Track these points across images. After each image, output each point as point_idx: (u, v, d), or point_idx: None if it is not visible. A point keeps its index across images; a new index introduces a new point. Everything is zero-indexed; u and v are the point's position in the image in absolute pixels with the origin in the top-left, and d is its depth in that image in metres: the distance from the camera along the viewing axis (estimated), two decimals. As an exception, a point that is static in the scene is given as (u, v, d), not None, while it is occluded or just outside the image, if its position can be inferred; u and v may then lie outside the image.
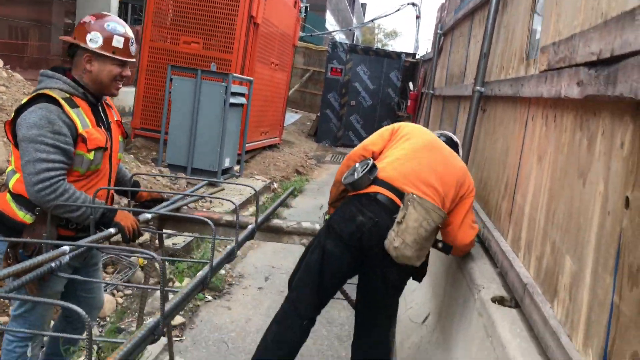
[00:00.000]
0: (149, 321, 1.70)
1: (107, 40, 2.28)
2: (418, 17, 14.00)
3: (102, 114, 2.44)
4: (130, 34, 2.41)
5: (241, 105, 7.89)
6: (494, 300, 2.44)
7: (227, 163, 7.59)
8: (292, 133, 14.37)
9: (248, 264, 5.39)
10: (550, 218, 2.10)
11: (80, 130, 2.23)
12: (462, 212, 2.71)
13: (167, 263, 4.10)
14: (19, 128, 2.16)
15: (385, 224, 2.45)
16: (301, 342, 2.60)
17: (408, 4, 13.92)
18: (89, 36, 2.26)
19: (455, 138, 3.09)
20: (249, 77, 8.16)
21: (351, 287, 2.87)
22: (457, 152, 3.00)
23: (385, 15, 14.92)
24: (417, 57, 14.50)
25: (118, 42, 2.31)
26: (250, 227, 2.63)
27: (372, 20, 16.94)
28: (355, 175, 2.57)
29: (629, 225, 1.38)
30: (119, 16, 13.07)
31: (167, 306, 1.71)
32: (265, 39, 9.52)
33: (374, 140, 2.81)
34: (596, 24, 1.72)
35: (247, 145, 8.71)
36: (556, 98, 2.05)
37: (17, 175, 2.24)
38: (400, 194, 2.51)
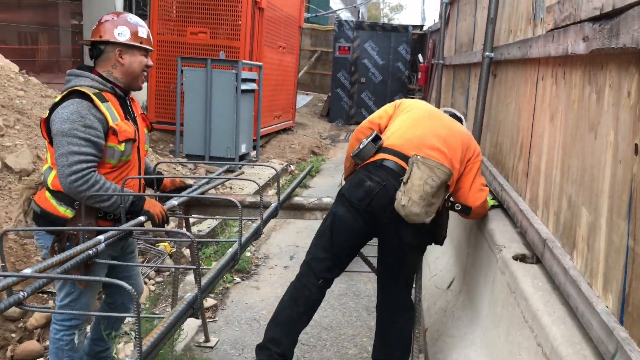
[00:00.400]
0: (187, 295, 1.81)
1: (134, 32, 2.42)
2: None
3: (129, 108, 2.54)
4: (144, 24, 2.53)
5: (252, 91, 7.96)
6: (515, 258, 2.51)
7: (243, 149, 7.69)
8: (304, 115, 14.42)
9: (272, 245, 5.52)
10: (565, 173, 2.16)
11: (111, 123, 2.34)
12: (471, 176, 2.77)
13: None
14: (52, 123, 2.27)
15: (393, 187, 2.54)
16: (317, 301, 2.71)
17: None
18: (116, 31, 2.38)
19: (458, 113, 3.17)
20: (258, 63, 8.22)
21: (374, 254, 2.95)
22: (462, 124, 3.06)
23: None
24: (425, 28, 14.39)
25: (143, 33, 2.45)
26: (273, 205, 2.73)
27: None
28: (361, 146, 2.68)
29: (639, 170, 1.43)
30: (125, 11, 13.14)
31: (203, 282, 1.81)
32: (271, 23, 9.54)
33: (379, 114, 2.93)
34: (598, -22, 1.76)
35: (261, 130, 8.79)
36: (564, 56, 2.10)
37: (54, 172, 2.34)
38: (406, 158, 2.60)
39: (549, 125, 2.44)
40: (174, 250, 4.84)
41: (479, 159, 2.83)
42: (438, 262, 4.26)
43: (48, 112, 2.35)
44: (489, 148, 4.08)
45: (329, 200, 3.07)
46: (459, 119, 3.09)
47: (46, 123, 2.35)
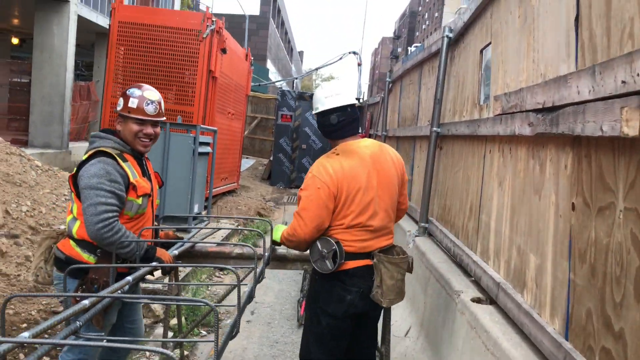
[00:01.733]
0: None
1: (125, 102, 2.73)
2: (359, 64, 14.95)
3: (144, 167, 2.88)
4: (151, 97, 2.78)
5: (207, 153, 8.32)
6: (472, 300, 3.00)
7: (196, 209, 7.95)
8: (246, 178, 14.80)
9: (232, 301, 5.74)
10: (514, 228, 2.70)
11: (132, 179, 2.66)
12: (405, 187, 3.02)
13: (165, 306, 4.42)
14: (81, 179, 2.58)
15: (369, 287, 2.79)
16: None
17: (350, 53, 14.88)
18: (119, 102, 2.76)
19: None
20: (213, 128, 8.64)
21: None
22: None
23: (329, 64, 15.78)
24: (362, 101, 15.40)
25: (132, 103, 2.72)
26: (267, 255, 3.09)
27: (316, 69, 17.83)
28: (330, 266, 2.75)
29: (576, 221, 1.97)
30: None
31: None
32: (222, 90, 10.06)
33: (322, 218, 2.76)
34: (538, 82, 2.37)
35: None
36: (511, 135, 2.68)
37: (78, 223, 2.63)
38: (369, 255, 2.80)
39: (498, 189, 3.01)
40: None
41: (404, 169, 3.02)
42: (393, 314, 4.68)
43: (76, 168, 2.66)
44: (437, 210, 4.66)
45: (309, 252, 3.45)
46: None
47: (73, 178, 2.65)
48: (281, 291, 6.19)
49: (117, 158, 2.64)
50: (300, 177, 15.10)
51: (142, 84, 2.88)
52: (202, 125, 8.08)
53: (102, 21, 12.79)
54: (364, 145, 2.87)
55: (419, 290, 4.23)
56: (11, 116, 14.31)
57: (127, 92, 2.77)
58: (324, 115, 2.91)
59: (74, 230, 2.65)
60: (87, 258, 2.63)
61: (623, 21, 1.67)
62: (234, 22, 29.45)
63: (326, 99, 2.89)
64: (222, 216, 3.60)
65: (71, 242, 2.66)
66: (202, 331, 4.83)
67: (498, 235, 2.96)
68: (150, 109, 2.75)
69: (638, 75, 1.41)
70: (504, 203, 2.88)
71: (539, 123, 2.23)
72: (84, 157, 2.66)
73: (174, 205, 7.63)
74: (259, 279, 2.77)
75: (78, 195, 2.62)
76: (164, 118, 2.87)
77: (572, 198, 2.01)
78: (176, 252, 3.05)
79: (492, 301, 2.93)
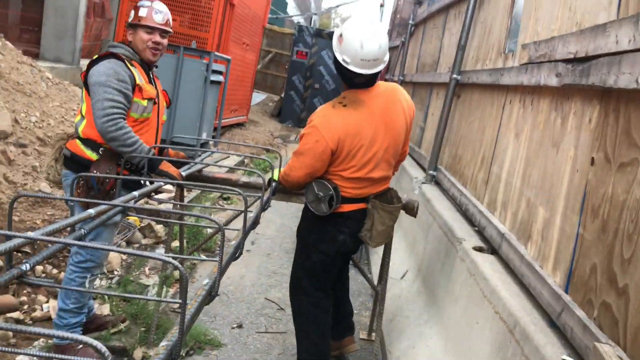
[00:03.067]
0: (206, 282, 1.93)
1: (135, 12, 2.85)
2: (382, 5, 14.52)
3: (152, 79, 2.96)
4: (159, 7, 2.89)
5: (219, 82, 8.21)
6: (474, 248, 3.01)
7: (204, 136, 7.92)
8: (256, 113, 14.69)
9: (234, 232, 5.81)
10: (525, 181, 2.67)
11: (138, 81, 2.76)
12: (409, 134, 2.93)
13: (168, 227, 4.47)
14: (90, 76, 2.68)
15: (360, 228, 2.84)
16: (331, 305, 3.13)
17: (372, -7, 14.43)
18: (130, 14, 2.87)
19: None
20: (227, 56, 8.48)
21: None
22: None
23: (350, 2, 15.33)
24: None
25: (142, 12, 2.84)
26: (274, 184, 3.07)
27: (336, 7, 17.35)
28: (325, 210, 2.74)
29: (593, 177, 1.94)
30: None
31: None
32: (239, 19, 9.81)
33: (316, 168, 2.72)
34: (571, 30, 2.27)
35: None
36: (534, 86, 2.61)
37: (84, 122, 2.75)
38: (365, 199, 2.80)
39: (514, 141, 2.95)
40: (143, 224, 5.06)
41: (413, 114, 2.91)
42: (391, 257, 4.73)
43: (86, 66, 2.76)
44: (447, 159, 4.62)
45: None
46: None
47: (84, 77, 2.73)
48: (282, 225, 6.25)
49: (126, 61, 2.74)
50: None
51: None
52: (216, 53, 7.92)
53: None
54: (375, 95, 2.72)
55: (420, 235, 4.26)
56: (24, 27, 14.04)
57: (138, 4, 2.89)
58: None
59: (80, 128, 2.76)
60: (90, 155, 2.74)
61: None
62: (256, -50, 28.42)
63: (362, 61, 2.55)
64: (232, 142, 3.56)
65: (77, 140, 2.77)
66: (202, 255, 4.91)
67: (508, 187, 2.93)
68: (158, 17, 2.87)
69: (687, 24, 1.34)
70: (519, 155, 2.83)
71: (567, 73, 2.15)
72: (95, 57, 2.75)
73: (183, 131, 7.59)
74: (264, 206, 2.77)
75: (89, 93, 2.70)
76: (171, 30, 2.96)
77: (593, 153, 1.96)
78: (183, 173, 3.04)
79: (494, 251, 2.93)
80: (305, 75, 14.76)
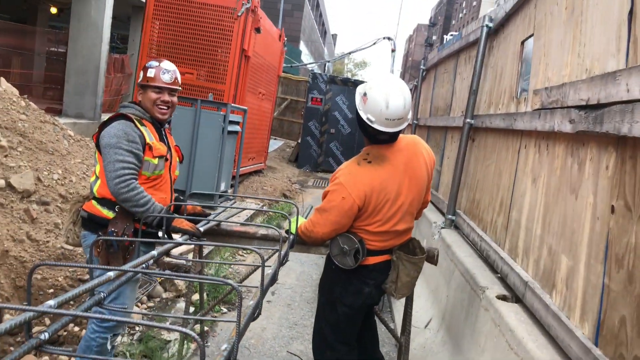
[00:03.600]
0: (224, 347, 1.90)
1: (144, 73, 2.94)
2: (393, 51, 14.76)
3: (164, 136, 3.03)
4: (167, 66, 2.96)
5: (236, 132, 8.34)
6: (498, 297, 2.94)
7: (222, 187, 7.99)
8: (273, 159, 14.84)
9: (254, 281, 5.77)
10: (546, 227, 2.63)
11: (148, 140, 2.81)
12: (430, 183, 2.94)
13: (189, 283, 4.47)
14: (102, 138, 2.74)
15: (384, 280, 2.85)
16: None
17: (384, 38, 14.68)
18: (139, 75, 2.96)
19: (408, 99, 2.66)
20: (243, 107, 8.64)
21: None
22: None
23: (363, 49, 15.61)
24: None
25: (150, 73, 2.92)
26: (291, 237, 3.07)
27: (349, 53, 17.67)
28: (351, 263, 2.75)
29: (615, 225, 1.90)
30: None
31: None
32: (254, 70, 10.04)
33: (342, 224, 2.73)
34: (582, 77, 2.28)
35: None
36: (549, 132, 2.60)
37: (99, 182, 2.80)
38: (389, 251, 2.81)
39: (531, 186, 2.92)
40: (162, 279, 5.07)
41: (434, 166, 2.93)
42: (414, 304, 4.65)
43: (98, 129, 2.83)
44: (465, 203, 4.58)
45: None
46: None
47: (97, 139, 2.81)
48: (302, 273, 6.20)
49: (136, 121, 2.80)
50: (327, 161, 15.07)
51: (162, 59, 3.07)
52: (232, 104, 8.08)
53: (139, -5, 12.85)
54: (398, 149, 2.73)
55: (442, 282, 4.18)
56: (47, 85, 14.56)
57: (146, 64, 2.98)
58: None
59: (95, 188, 2.81)
60: (107, 214, 2.77)
61: (682, 17, 1.58)
62: (269, 2, 29.34)
63: (387, 120, 2.56)
64: (247, 196, 3.58)
65: (93, 201, 2.81)
66: (222, 308, 4.87)
67: (528, 233, 2.89)
68: (166, 77, 2.94)
69: (697, 75, 1.33)
70: (537, 200, 2.80)
71: (581, 120, 2.14)
72: (106, 119, 2.82)
73: (201, 183, 7.69)
74: (282, 261, 2.75)
75: (101, 154, 2.77)
76: (180, 88, 3.03)
77: (612, 200, 1.93)
78: (201, 229, 3.06)
79: (517, 299, 2.86)
80: (321, 120, 14.94)
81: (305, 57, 28.14)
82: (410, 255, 2.82)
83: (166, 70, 2.94)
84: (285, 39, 12.76)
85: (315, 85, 14.93)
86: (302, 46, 31.28)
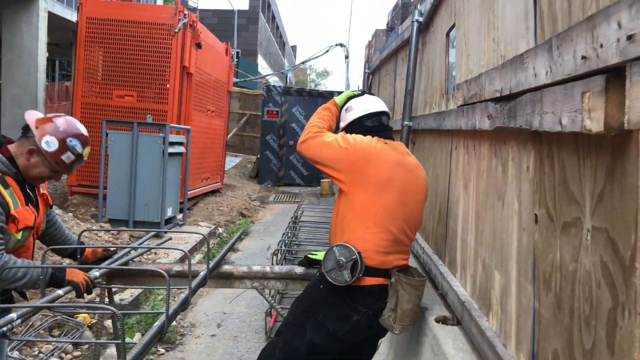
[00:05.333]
0: None
1: (60, 150, 2.36)
2: (347, 57, 14.52)
3: (29, 191, 2.45)
4: (85, 157, 2.52)
5: (180, 154, 7.92)
6: (437, 320, 2.60)
7: (169, 212, 7.54)
8: (233, 177, 14.39)
9: (199, 312, 5.35)
10: (479, 238, 2.30)
11: (12, 211, 2.26)
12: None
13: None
14: None
15: (380, 309, 2.43)
16: None
17: (336, 45, 14.43)
18: (46, 138, 2.32)
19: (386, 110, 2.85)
20: (186, 126, 8.23)
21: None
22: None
23: (315, 57, 15.32)
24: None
25: (67, 158, 2.40)
26: (202, 273, 2.69)
27: (302, 63, 17.40)
28: (347, 278, 2.37)
29: (540, 237, 1.57)
30: (47, 73, 12.65)
31: (129, 357, 1.75)
32: (199, 87, 9.64)
33: (326, 157, 2.54)
34: (497, 65, 1.97)
35: (189, 192, 8.68)
36: (473, 130, 2.28)
37: None
38: (387, 272, 2.45)
39: (463, 192, 2.61)
40: (93, 321, 4.61)
41: None
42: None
43: None
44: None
45: (258, 268, 3.05)
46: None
47: None
48: (254, 299, 5.78)
49: None
50: (289, 174, 14.70)
51: (80, 129, 2.51)
52: (172, 125, 7.67)
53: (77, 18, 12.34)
54: (406, 153, 2.63)
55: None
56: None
57: (68, 141, 2.41)
58: (374, 116, 2.69)
59: None
60: None
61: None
62: (224, 18, 28.95)
63: (377, 104, 2.74)
64: (172, 230, 3.19)
65: None
66: (160, 349, 4.44)
67: (464, 245, 2.57)
68: (76, 166, 2.51)
69: (601, 46, 1.01)
70: (470, 208, 2.48)
71: (497, 115, 1.83)
72: None
73: (145, 210, 7.24)
74: (184, 305, 2.37)
75: None
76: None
77: (535, 208, 1.61)
78: (96, 272, 2.65)
79: (458, 321, 2.53)
80: (279, 133, 14.58)
81: (264, 70, 27.83)
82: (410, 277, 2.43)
83: (80, 162, 2.50)
84: (233, 52, 12.40)
85: (270, 97, 14.59)
86: (260, 59, 30.97)
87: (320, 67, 57.26)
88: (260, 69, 25.00)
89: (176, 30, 8.61)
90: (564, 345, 1.40)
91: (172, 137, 7.48)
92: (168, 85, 8.56)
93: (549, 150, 1.48)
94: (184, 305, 2.40)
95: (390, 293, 2.40)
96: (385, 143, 2.53)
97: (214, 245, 7.61)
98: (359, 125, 2.66)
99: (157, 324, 2.07)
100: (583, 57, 1.09)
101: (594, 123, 1.05)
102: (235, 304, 5.58)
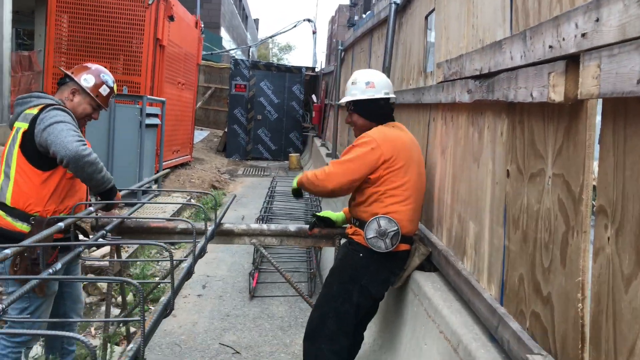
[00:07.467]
0: (129, 347, 1.83)
1: (96, 84, 2.78)
2: (314, 32, 14.74)
3: None
4: (114, 91, 2.90)
5: (155, 125, 8.09)
6: (416, 268, 3.02)
7: (145, 181, 7.74)
8: (201, 150, 14.53)
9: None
10: (455, 196, 2.71)
11: None
12: None
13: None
14: (42, 122, 2.49)
15: (400, 270, 2.98)
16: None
17: (304, 20, 14.61)
18: (84, 76, 2.74)
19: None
20: (161, 98, 8.38)
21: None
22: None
23: (283, 32, 15.50)
24: (317, 70, 15.22)
25: (104, 91, 2.81)
26: (210, 229, 3.01)
27: (270, 37, 17.55)
28: (388, 246, 2.74)
29: (510, 189, 1.98)
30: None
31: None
32: (171, 60, 9.75)
33: (360, 175, 2.77)
34: (476, 48, 2.35)
35: (162, 164, 8.87)
36: (452, 103, 2.67)
37: (11, 186, 2.51)
38: (411, 239, 2.93)
39: (441, 158, 3.00)
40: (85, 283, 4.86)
41: None
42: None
43: (28, 124, 2.54)
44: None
45: (256, 226, 3.39)
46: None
47: (27, 134, 2.53)
48: (234, 264, 6.13)
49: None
50: (257, 148, 14.94)
51: (105, 70, 2.89)
52: (149, 96, 7.82)
53: (42, -14, 12.09)
54: (405, 128, 3.04)
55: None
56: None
57: (102, 76, 2.83)
58: (383, 99, 2.97)
59: (8, 195, 2.53)
60: (21, 227, 2.53)
61: (554, -16, 1.64)
62: (186, -11, 28.44)
63: (391, 88, 3.07)
64: (173, 190, 3.48)
65: (1, 212, 2.54)
66: (151, 307, 4.74)
67: (441, 204, 2.97)
68: (110, 99, 2.90)
69: (564, 39, 1.39)
70: (447, 171, 2.88)
71: (476, 90, 2.21)
72: (35, 111, 2.57)
73: (122, 180, 7.40)
74: (198, 254, 2.70)
75: (25, 152, 2.53)
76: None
77: (507, 165, 2.01)
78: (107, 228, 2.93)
79: (435, 269, 2.95)
80: (247, 107, 14.76)
81: (227, 43, 27.64)
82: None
83: (114, 96, 2.91)
84: (203, 25, 12.45)
85: (238, 71, 14.71)
86: (224, 32, 30.65)
87: (284, 42, 56.93)
88: (224, 43, 24.85)
89: (150, 3, 8.69)
90: (527, 269, 1.81)
91: (148, 109, 7.64)
92: (142, 58, 8.66)
93: (520, 118, 1.88)
94: (199, 256, 2.67)
95: (409, 257, 2.93)
96: (393, 127, 2.94)
97: (190, 214, 7.87)
98: (375, 105, 2.94)
99: (162, 299, 2.15)
100: (550, 47, 1.47)
101: (557, 95, 1.43)
102: (217, 268, 5.91)
